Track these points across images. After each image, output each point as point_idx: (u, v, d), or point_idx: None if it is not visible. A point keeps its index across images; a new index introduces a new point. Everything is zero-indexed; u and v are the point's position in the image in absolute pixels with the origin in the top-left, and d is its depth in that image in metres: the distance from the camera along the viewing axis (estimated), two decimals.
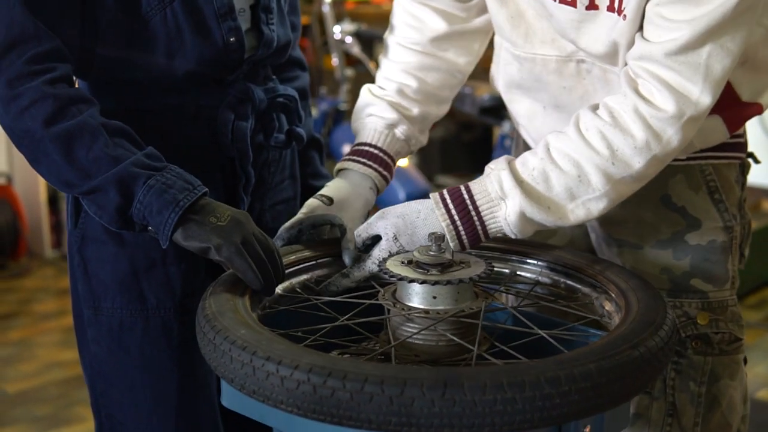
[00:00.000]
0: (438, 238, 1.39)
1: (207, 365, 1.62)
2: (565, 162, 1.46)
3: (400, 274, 1.37)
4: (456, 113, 4.09)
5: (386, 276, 1.40)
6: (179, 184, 1.43)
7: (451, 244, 1.48)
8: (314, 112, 4.49)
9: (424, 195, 4.24)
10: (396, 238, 1.51)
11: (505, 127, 3.80)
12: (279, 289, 1.49)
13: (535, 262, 1.61)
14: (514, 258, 1.63)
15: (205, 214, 1.43)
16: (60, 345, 3.96)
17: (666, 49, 1.42)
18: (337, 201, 1.67)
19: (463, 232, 1.49)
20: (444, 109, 1.87)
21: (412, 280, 1.36)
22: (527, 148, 1.84)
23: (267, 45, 1.67)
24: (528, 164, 1.48)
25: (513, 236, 1.50)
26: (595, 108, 1.50)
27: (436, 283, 1.35)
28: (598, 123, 1.47)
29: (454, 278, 1.35)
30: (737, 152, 1.70)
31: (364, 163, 1.73)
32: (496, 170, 1.50)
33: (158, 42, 1.54)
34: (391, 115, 1.76)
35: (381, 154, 1.75)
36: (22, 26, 1.43)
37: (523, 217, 1.47)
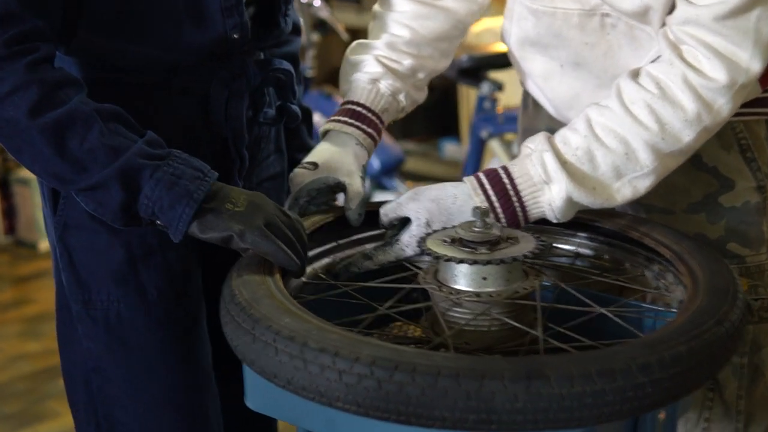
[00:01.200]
0: (483, 213, 1.27)
1: (206, 358, 1.52)
2: (611, 139, 1.38)
3: (446, 255, 1.25)
4: None
5: (425, 257, 1.29)
6: (188, 172, 1.31)
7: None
8: None
9: (399, 163, 4.15)
10: (428, 224, 1.39)
11: (485, 88, 3.69)
12: (303, 277, 1.38)
13: (573, 232, 1.50)
14: (547, 229, 1.52)
15: (219, 200, 1.31)
16: (23, 336, 3.76)
17: (714, 13, 1.35)
18: (322, 164, 1.54)
19: (503, 219, 1.39)
20: (444, 63, 1.73)
21: (461, 261, 1.24)
22: (538, 109, 1.74)
23: (278, 35, 1.56)
24: (570, 143, 1.39)
25: (555, 221, 1.41)
26: (636, 76, 1.41)
27: (488, 262, 1.24)
28: (645, 95, 1.38)
29: (506, 256, 1.24)
30: (766, 107, 1.61)
31: (345, 122, 1.59)
32: (538, 151, 1.40)
33: (151, 33, 1.40)
34: (375, 69, 1.62)
35: (364, 111, 1.60)
36: (4, 3, 1.27)
37: (570, 202, 1.38)
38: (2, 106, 1.27)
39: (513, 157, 3.76)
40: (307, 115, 1.78)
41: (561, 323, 1.28)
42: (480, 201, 1.38)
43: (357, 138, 1.57)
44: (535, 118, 1.77)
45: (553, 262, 1.50)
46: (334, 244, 1.48)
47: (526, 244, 1.29)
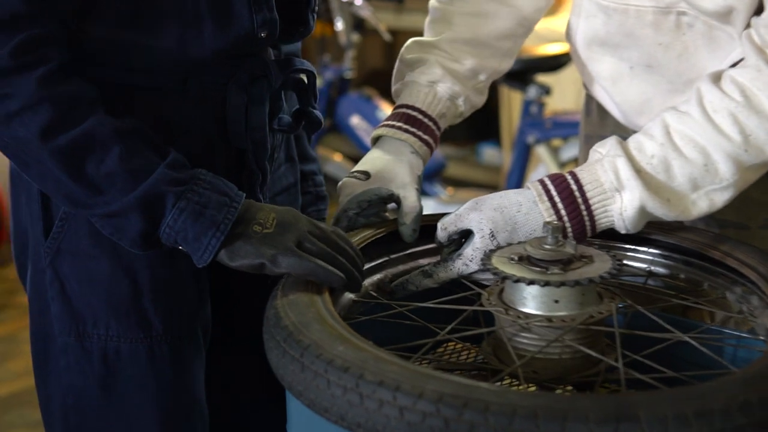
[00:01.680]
0: (555, 229, 1.16)
1: (201, 390, 1.39)
2: (690, 149, 1.27)
3: (515, 275, 1.14)
4: None
5: (489, 275, 1.17)
6: (214, 198, 1.20)
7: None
8: (318, 82, 4.25)
9: (441, 169, 4.04)
10: (493, 236, 1.28)
11: (531, 92, 3.57)
12: (353, 294, 1.26)
13: (645, 248, 1.38)
14: (617, 244, 1.40)
15: (247, 224, 1.20)
16: None
17: None
18: (375, 173, 1.42)
19: (570, 229, 1.28)
20: (506, 64, 1.62)
21: (532, 281, 1.12)
22: (603, 115, 1.62)
23: (304, 34, 1.44)
24: (645, 150, 1.28)
25: (624, 231, 1.30)
26: (718, 80, 1.30)
27: (561, 284, 1.12)
28: (729, 104, 1.27)
29: (582, 278, 1.12)
30: None
31: (399, 128, 1.46)
32: (609, 156, 1.29)
33: (169, 27, 1.26)
34: (433, 70, 1.50)
35: (420, 116, 1.48)
36: (8, 4, 1.14)
37: (642, 212, 1.27)
38: (10, 125, 1.16)
39: (561, 164, 3.70)
40: (312, 120, 1.56)
41: (636, 350, 1.16)
42: (545, 208, 1.28)
43: (412, 146, 1.45)
44: (600, 125, 1.65)
45: (623, 282, 1.38)
46: (385, 258, 1.37)
47: (602, 263, 1.17)
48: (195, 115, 1.32)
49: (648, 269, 1.38)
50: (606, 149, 1.30)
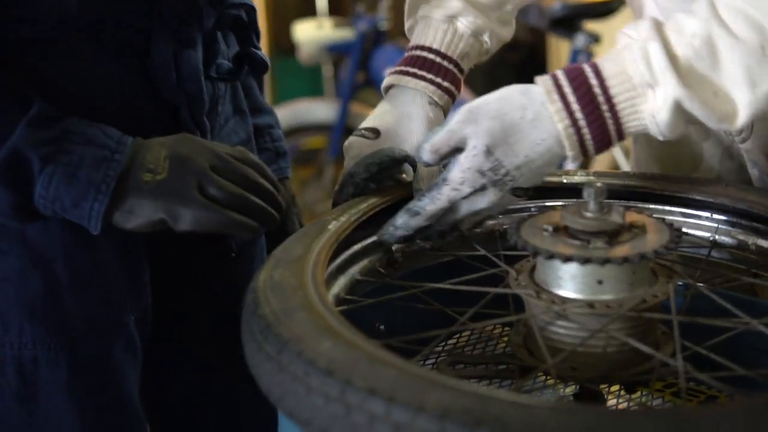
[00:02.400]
0: (598, 192, 0.93)
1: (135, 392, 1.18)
2: (741, 24, 0.97)
3: (547, 249, 0.92)
4: None
5: (495, 197, 0.97)
6: (90, 155, 0.99)
7: (569, 154, 1.01)
8: (350, 32, 4.02)
9: None
10: (489, 151, 1.02)
11: (579, 41, 3.32)
12: (356, 272, 1.06)
13: (708, 214, 1.16)
14: (673, 208, 1.18)
15: (136, 173, 1.00)
16: None
17: None
18: (385, 131, 1.20)
19: (588, 137, 1.00)
20: None
21: (569, 258, 0.90)
22: None
23: None
24: (685, 29, 0.99)
25: (661, 137, 1.01)
26: None
27: (606, 261, 0.90)
28: None
29: (633, 253, 0.90)
30: None
31: (414, 74, 1.23)
32: (641, 41, 1.00)
33: None
34: (451, 3, 1.25)
35: (439, 59, 1.24)
36: None
37: (679, 112, 0.98)
38: None
39: None
40: (258, 65, 1.31)
41: (698, 339, 0.94)
42: (555, 110, 1.00)
43: (430, 95, 1.22)
44: None
45: (682, 253, 1.15)
46: None
47: (657, 234, 0.95)
48: (114, 69, 1.10)
49: (712, 238, 1.15)
50: (638, 32, 1.01)
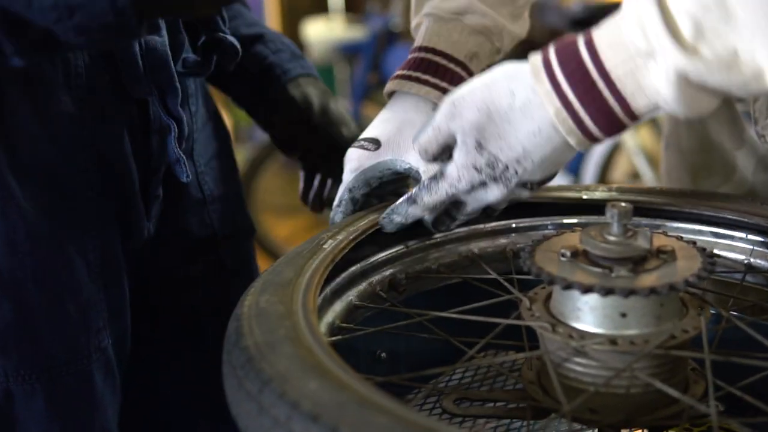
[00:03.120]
0: (622, 213, 0.83)
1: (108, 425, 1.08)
2: None
3: (564, 278, 0.82)
4: None
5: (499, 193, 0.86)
6: None
7: (571, 141, 0.88)
8: (363, 32, 3.92)
9: None
10: (481, 146, 0.91)
11: None
12: (353, 297, 0.96)
13: (742, 234, 1.05)
14: (699, 226, 1.08)
15: None
16: None
17: None
18: (386, 141, 1.10)
19: (588, 120, 0.86)
20: None
21: (589, 289, 0.80)
22: None
23: None
24: None
25: (681, 116, 0.84)
26: None
27: (631, 292, 0.80)
28: None
29: (661, 284, 0.80)
30: None
31: (417, 79, 1.13)
32: (636, 5, 0.82)
33: None
34: None
35: (444, 61, 1.13)
36: None
37: (685, 82, 0.81)
38: None
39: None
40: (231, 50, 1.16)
41: (732, 377, 0.84)
42: (544, 92, 0.87)
43: (434, 101, 1.12)
44: None
45: (714, 278, 1.05)
46: (402, 248, 1.06)
47: (688, 261, 0.85)
48: (77, 64, 0.99)
49: (747, 261, 1.05)
50: None
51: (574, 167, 3.43)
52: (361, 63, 3.83)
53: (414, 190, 1.00)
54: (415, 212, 1.00)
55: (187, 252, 1.15)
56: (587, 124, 0.86)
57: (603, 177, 3.47)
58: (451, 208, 1.00)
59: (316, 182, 1.29)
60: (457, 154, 0.93)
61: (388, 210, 1.01)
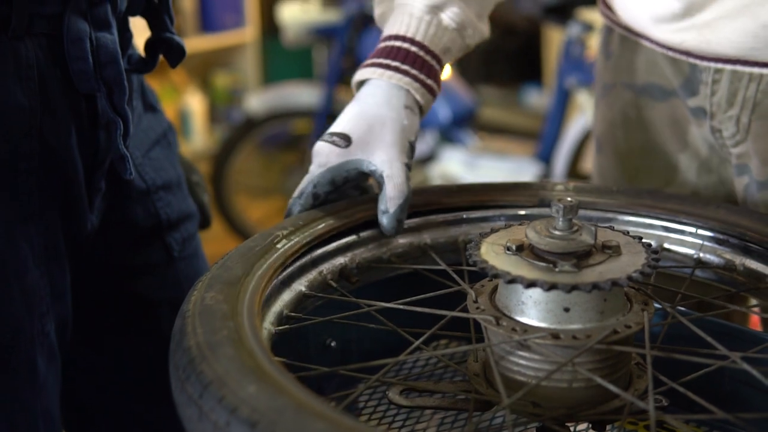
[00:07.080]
0: (567, 209, 0.84)
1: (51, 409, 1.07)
2: None
3: (508, 272, 0.82)
4: (496, 16, 3.51)
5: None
6: None
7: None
8: (338, 15, 3.90)
9: (471, 113, 3.72)
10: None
11: (573, 30, 3.20)
12: (303, 286, 0.96)
13: (692, 229, 1.06)
14: (656, 222, 1.08)
15: None
16: None
17: None
18: (356, 138, 1.07)
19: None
20: None
21: (532, 283, 0.81)
22: (626, 45, 1.30)
23: None
24: None
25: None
26: None
27: (574, 288, 0.80)
28: None
29: (604, 279, 0.80)
30: None
31: (396, 69, 1.09)
32: None
33: None
34: None
35: (421, 53, 1.11)
36: None
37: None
38: None
39: None
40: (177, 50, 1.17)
41: (675, 372, 0.85)
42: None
43: (410, 91, 1.10)
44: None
45: (662, 269, 1.06)
46: (354, 237, 1.05)
47: (632, 256, 0.85)
48: (24, 59, 0.98)
49: (696, 256, 1.05)
50: None
51: (546, 156, 3.44)
52: (336, 46, 3.81)
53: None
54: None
55: (132, 240, 1.15)
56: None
57: (574, 166, 3.48)
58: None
59: None
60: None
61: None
